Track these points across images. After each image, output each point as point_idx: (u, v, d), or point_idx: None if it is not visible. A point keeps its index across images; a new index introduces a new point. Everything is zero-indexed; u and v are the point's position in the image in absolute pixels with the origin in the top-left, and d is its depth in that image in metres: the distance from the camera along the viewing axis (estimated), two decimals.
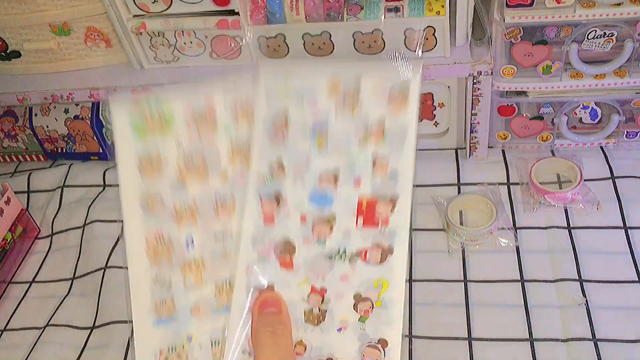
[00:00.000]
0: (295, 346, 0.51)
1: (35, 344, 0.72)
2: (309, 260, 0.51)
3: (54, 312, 0.75)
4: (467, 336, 0.65)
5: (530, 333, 0.65)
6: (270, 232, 0.52)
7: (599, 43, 0.70)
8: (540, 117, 0.80)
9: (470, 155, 0.84)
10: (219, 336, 0.52)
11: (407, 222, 0.51)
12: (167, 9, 0.77)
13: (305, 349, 0.51)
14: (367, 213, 0.51)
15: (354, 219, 0.51)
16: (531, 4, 0.67)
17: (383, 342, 0.50)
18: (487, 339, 0.65)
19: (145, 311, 0.52)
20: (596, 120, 0.80)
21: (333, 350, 0.50)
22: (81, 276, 0.79)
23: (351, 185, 0.52)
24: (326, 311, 0.51)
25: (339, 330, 0.50)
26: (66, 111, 0.92)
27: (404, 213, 0.51)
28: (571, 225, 0.74)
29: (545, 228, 0.74)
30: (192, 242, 0.52)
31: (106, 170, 0.91)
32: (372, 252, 0.51)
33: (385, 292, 0.51)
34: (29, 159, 0.99)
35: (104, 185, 0.90)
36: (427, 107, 0.84)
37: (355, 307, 0.51)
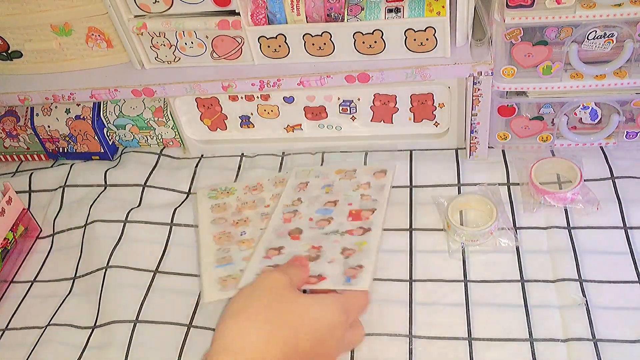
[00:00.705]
0: None
1: (36, 344, 0.72)
2: (312, 237, 0.72)
3: (55, 312, 0.75)
4: (467, 336, 0.66)
5: (530, 333, 0.65)
6: (286, 226, 0.75)
7: (599, 44, 0.70)
8: (540, 118, 0.80)
9: (470, 155, 0.84)
10: None
11: (382, 218, 0.73)
12: (168, 9, 0.77)
13: None
14: (355, 215, 0.74)
15: (346, 217, 0.74)
16: (531, 5, 0.67)
17: (360, 267, 0.65)
18: (487, 339, 0.65)
19: (210, 264, 0.73)
20: (596, 121, 0.80)
21: (323, 271, 0.66)
22: (82, 276, 0.79)
23: (346, 206, 0.76)
24: (320, 255, 0.68)
25: (329, 262, 0.67)
26: (67, 111, 0.92)
27: (380, 214, 0.73)
28: (571, 226, 0.74)
29: (545, 228, 0.74)
30: (245, 233, 0.77)
31: (107, 170, 0.92)
32: (357, 231, 0.71)
33: (365, 246, 0.69)
34: (30, 159, 0.99)
35: (105, 185, 0.90)
36: (428, 108, 0.84)
37: (342, 253, 0.68)
